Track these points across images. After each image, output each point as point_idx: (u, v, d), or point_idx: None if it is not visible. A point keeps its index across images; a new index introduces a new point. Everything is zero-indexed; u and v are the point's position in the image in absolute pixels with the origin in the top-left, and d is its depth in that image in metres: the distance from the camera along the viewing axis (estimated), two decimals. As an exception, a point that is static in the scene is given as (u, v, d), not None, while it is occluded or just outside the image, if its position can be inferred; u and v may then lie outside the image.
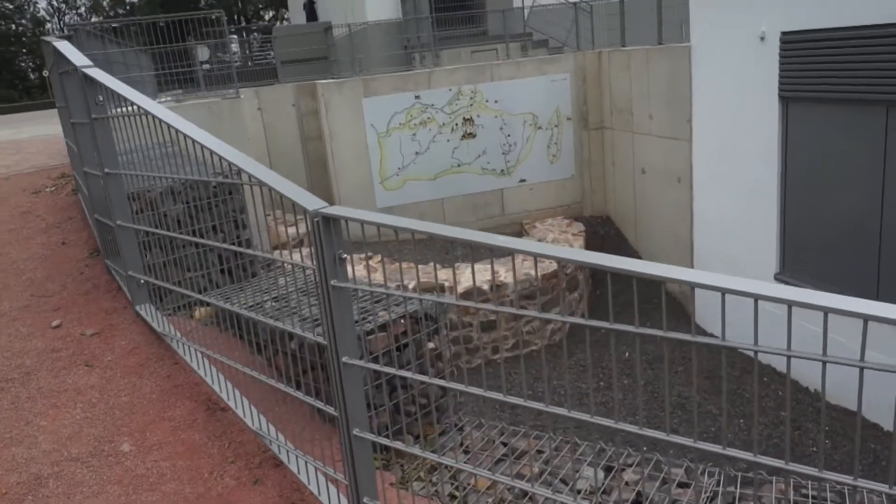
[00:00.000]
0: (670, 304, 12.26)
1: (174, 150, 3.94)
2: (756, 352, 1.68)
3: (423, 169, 13.40)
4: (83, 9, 56.51)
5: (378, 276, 10.93)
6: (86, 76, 3.83)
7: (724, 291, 1.63)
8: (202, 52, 20.67)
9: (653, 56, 11.98)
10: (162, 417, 3.32)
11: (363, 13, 18.47)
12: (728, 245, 10.75)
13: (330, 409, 2.63)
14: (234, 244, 4.41)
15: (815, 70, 8.59)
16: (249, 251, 3.11)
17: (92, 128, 3.90)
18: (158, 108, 3.24)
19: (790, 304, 1.51)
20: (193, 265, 4.32)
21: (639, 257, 13.22)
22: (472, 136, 13.49)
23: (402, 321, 3.65)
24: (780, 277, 9.84)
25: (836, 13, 8.16)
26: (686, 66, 10.98)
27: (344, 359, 2.51)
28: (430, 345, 3.76)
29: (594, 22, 15.36)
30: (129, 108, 3.45)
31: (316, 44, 16.65)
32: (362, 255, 11.82)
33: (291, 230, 13.34)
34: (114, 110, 3.77)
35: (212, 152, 2.84)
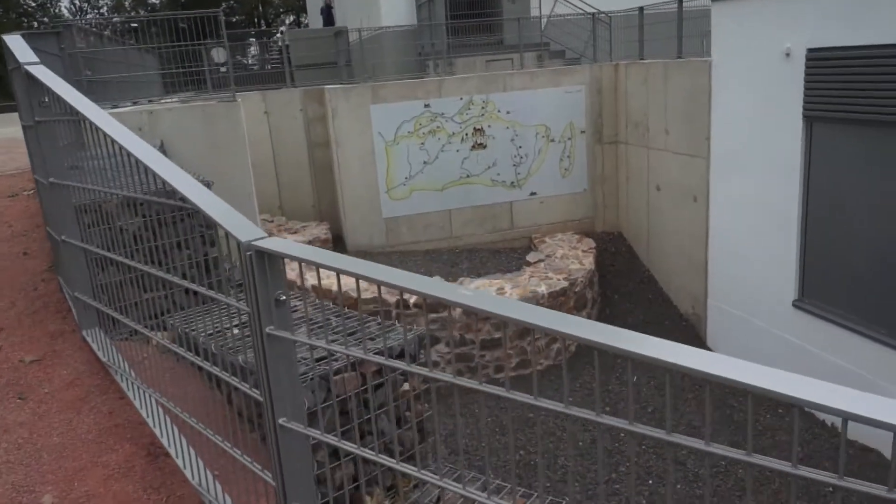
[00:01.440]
0: (682, 326, 11.80)
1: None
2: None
3: (431, 179, 13.04)
4: (105, 8, 56.85)
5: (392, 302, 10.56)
6: (28, 74, 3.50)
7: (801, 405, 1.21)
8: (218, 55, 20.49)
9: (671, 70, 11.56)
10: (95, 463, 2.95)
11: (378, 19, 18.20)
12: (744, 268, 10.29)
13: (267, 477, 2.25)
14: (199, 263, 4.05)
15: (842, 89, 8.14)
16: (177, 280, 2.75)
17: (36, 132, 3.56)
18: (98, 113, 2.89)
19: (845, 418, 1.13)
20: (154, 285, 3.97)
21: (651, 276, 12.79)
22: (482, 146, 13.12)
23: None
24: (798, 304, 9.37)
25: (866, 30, 7.72)
26: (706, 82, 10.54)
27: (281, 420, 2.14)
28: (406, 386, 3.37)
29: (612, 34, 14.97)
30: (74, 113, 3.11)
31: (327, 48, 16.38)
32: (364, 267, 11.45)
33: (294, 237, 13.03)
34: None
35: (146, 168, 2.48)
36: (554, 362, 10.95)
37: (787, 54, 8.77)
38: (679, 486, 7.96)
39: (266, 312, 2.08)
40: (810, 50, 8.43)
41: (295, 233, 13.13)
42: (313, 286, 10.70)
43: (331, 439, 2.04)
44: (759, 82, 9.48)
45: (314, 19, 33.42)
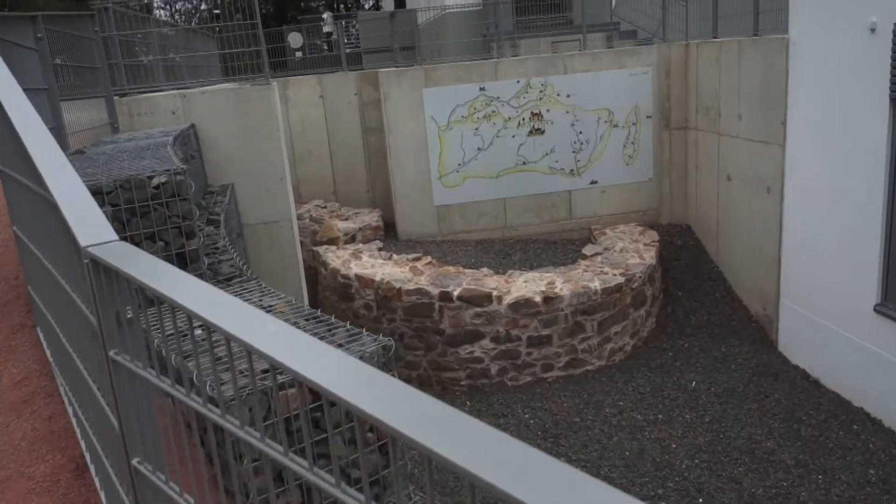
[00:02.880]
0: (751, 328, 10.92)
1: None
2: None
3: (486, 166, 12.55)
4: (193, -4, 58.57)
5: (424, 280, 10.22)
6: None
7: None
8: (295, 39, 20.58)
9: (746, 49, 10.62)
10: (22, 474, 2.69)
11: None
12: (821, 267, 9.35)
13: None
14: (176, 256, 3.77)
15: (938, 67, 7.16)
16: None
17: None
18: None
19: None
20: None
21: (719, 273, 11.95)
22: (540, 132, 12.51)
23: (330, 373, 2.87)
24: (881, 309, 8.41)
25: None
26: (783, 61, 9.60)
27: (134, 461, 1.77)
28: (367, 403, 2.96)
29: (688, 10, 13.97)
30: None
31: (388, 30, 16.05)
32: (410, 256, 11.13)
33: (345, 224, 12.84)
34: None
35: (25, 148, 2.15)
36: (608, 362, 10.31)
37: (873, 30, 7.79)
38: (732, 507, 7.26)
39: (109, 332, 1.70)
40: (901, 23, 7.45)
41: (346, 219, 12.92)
42: (357, 275, 10.46)
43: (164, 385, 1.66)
44: (841, 61, 8.51)
45: (389, 3, 33.30)
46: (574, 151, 12.67)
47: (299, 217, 12.95)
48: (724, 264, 11.90)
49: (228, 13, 9.71)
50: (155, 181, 3.66)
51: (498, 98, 12.28)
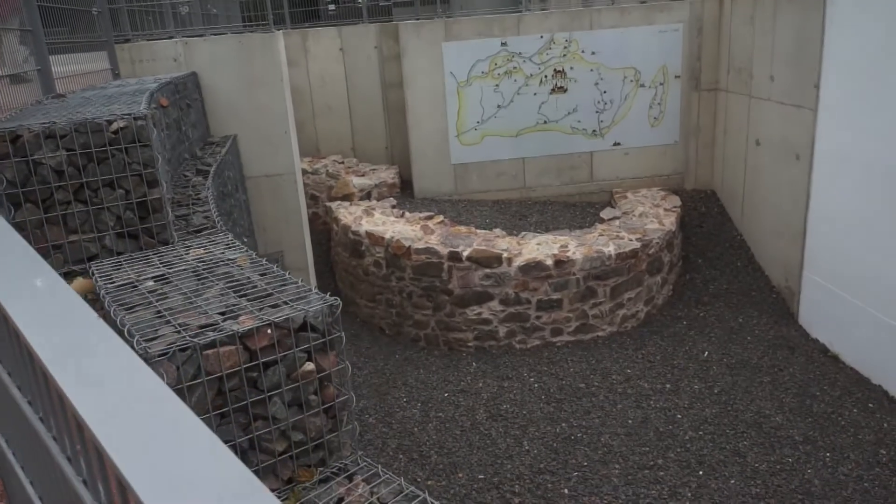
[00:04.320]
0: (772, 299, 10.56)
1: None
2: None
3: (505, 124, 12.22)
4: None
5: (434, 239, 10.06)
6: None
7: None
8: None
9: (782, 5, 10.03)
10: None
11: (472, -49, 17.16)
12: (848, 242, 8.92)
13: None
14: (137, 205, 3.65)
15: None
16: None
17: None
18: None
19: None
20: (81, 226, 3.61)
21: (742, 242, 11.57)
22: (562, 90, 12.11)
23: (269, 331, 2.74)
24: (906, 286, 8.01)
25: None
26: (819, 19, 9.04)
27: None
28: (310, 366, 2.83)
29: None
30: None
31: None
32: (422, 215, 10.95)
33: (361, 180, 12.68)
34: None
35: None
36: (619, 328, 10.09)
37: (917, -16, 7.24)
38: (733, 482, 7.07)
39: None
40: (946, -22, 6.90)
41: (363, 175, 12.76)
42: (367, 232, 10.34)
43: None
44: (879, 20, 7.96)
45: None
46: (597, 111, 12.25)
47: (316, 172, 12.84)
48: (748, 233, 11.49)
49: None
50: (114, 126, 3.52)
51: (520, 54, 11.88)
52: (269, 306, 2.90)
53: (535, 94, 12.08)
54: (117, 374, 0.98)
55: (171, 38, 7.75)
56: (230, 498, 0.72)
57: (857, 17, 8.36)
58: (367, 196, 12.34)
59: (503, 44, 11.82)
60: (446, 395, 8.75)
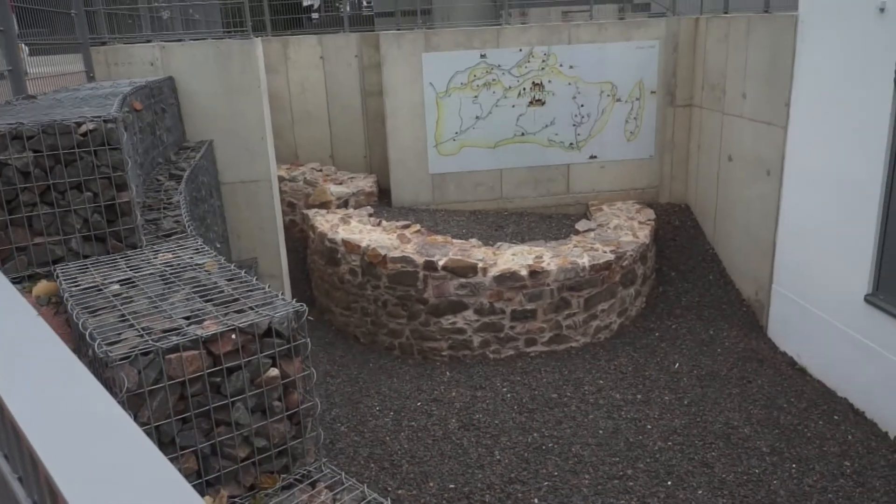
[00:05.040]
0: (742, 312, 10.72)
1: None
2: None
3: (483, 135, 12.31)
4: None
5: (410, 248, 10.08)
6: None
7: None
8: None
9: (755, 25, 10.24)
10: None
11: (454, -37, 17.30)
12: (814, 253, 9.11)
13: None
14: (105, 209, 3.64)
15: (945, 50, 6.83)
16: None
17: None
18: None
19: None
20: (46, 228, 3.60)
21: (715, 255, 11.74)
22: (540, 102, 12.23)
23: (233, 336, 2.75)
24: (871, 300, 8.19)
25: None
26: (790, 40, 9.25)
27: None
28: (274, 371, 2.84)
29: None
30: None
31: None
32: (399, 224, 10.98)
33: (339, 188, 12.68)
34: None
35: None
36: (592, 339, 10.18)
37: (882, 9, 7.44)
38: (701, 493, 7.15)
39: None
40: (909, 2, 7.11)
41: (340, 184, 12.76)
42: (343, 240, 10.34)
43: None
44: (848, 42, 8.17)
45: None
46: (574, 125, 12.39)
47: (293, 179, 12.82)
48: (720, 246, 11.66)
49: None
50: (83, 128, 3.52)
51: (499, 66, 11.99)
52: (235, 311, 2.91)
53: (513, 106, 12.20)
54: (55, 375, 1.00)
55: (148, 41, 7.73)
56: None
57: (828, 39, 8.57)
58: (345, 204, 12.34)
59: (482, 56, 11.93)
60: (419, 404, 8.76)
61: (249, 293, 3.12)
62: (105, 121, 3.53)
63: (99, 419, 0.88)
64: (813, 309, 9.19)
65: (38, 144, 3.41)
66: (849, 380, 8.61)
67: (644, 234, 10.95)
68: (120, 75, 7.22)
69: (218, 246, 6.68)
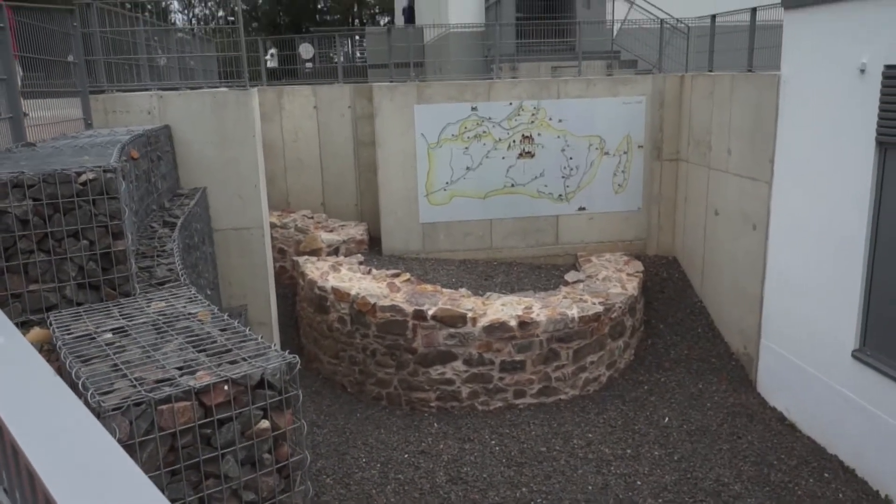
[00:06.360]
0: (731, 366, 10.73)
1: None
2: None
3: (474, 185, 12.45)
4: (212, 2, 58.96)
5: (400, 297, 10.08)
6: None
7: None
8: (306, 50, 20.69)
9: (738, 83, 10.54)
10: None
11: (447, 18, 17.76)
12: (802, 309, 9.18)
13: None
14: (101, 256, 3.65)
15: (922, 112, 7.05)
16: None
17: None
18: None
19: None
20: (42, 275, 3.60)
21: (703, 308, 11.80)
22: (530, 155, 12.43)
23: (226, 388, 2.74)
24: (858, 355, 8.23)
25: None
26: (773, 98, 9.51)
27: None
28: (265, 423, 2.82)
29: (689, 43, 13.92)
30: None
31: (396, 45, 16.04)
32: (389, 272, 11.00)
33: (330, 236, 12.72)
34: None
35: None
36: (581, 392, 10.13)
37: (863, 70, 7.70)
38: (692, 549, 7.05)
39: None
40: (888, 67, 7.35)
41: (331, 231, 12.81)
42: (333, 288, 10.33)
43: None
44: (829, 101, 8.41)
45: (400, 19, 33.49)
46: (563, 177, 12.57)
47: (285, 226, 12.86)
48: (708, 299, 11.74)
49: (223, 19, 9.69)
50: (82, 178, 3.55)
51: (489, 119, 12.22)
52: (228, 362, 2.90)
53: (503, 157, 12.38)
54: (71, 430, 1.00)
55: (146, 90, 7.84)
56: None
57: (810, 97, 8.82)
58: (335, 252, 12.37)
59: (473, 108, 12.16)
60: (406, 456, 8.64)
61: (242, 343, 3.11)
62: (105, 171, 3.57)
63: (112, 471, 0.89)
64: (801, 363, 9.22)
65: (38, 193, 3.43)
66: (839, 436, 8.59)
67: (632, 286, 11.02)
68: (118, 123, 7.30)
69: (209, 293, 6.66)
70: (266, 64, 16.53)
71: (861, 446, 8.25)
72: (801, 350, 9.25)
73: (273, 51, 16.68)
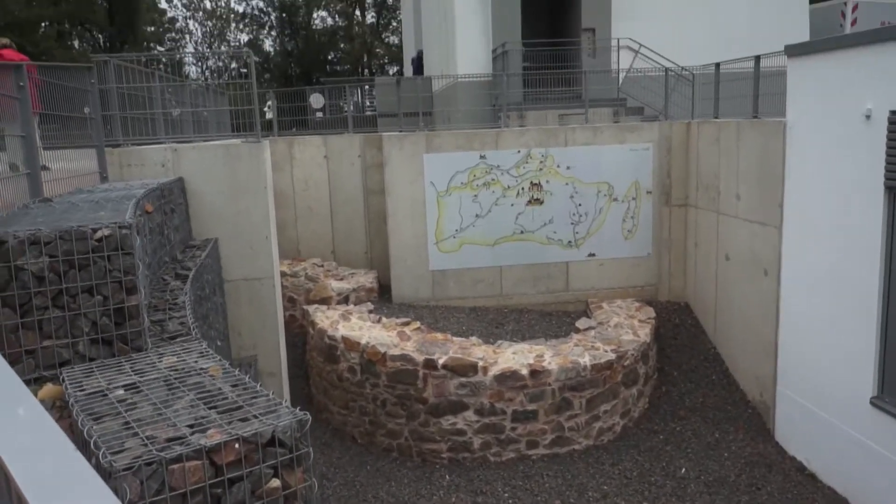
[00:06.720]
0: (748, 414, 10.54)
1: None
2: None
3: (483, 233, 12.50)
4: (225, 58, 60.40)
5: (410, 345, 10.03)
6: None
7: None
8: (316, 101, 21.05)
9: (744, 130, 10.62)
10: None
11: (455, 68, 18.08)
12: (819, 355, 9.06)
13: None
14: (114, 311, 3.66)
15: (931, 157, 7.06)
16: None
17: None
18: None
19: None
20: (56, 331, 3.61)
21: (717, 355, 11.66)
22: (538, 202, 12.50)
23: (237, 446, 2.71)
24: (877, 402, 8.08)
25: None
26: (779, 144, 9.57)
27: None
28: (276, 482, 2.78)
29: (695, 90, 14.09)
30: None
31: (405, 95, 16.31)
32: (399, 320, 10.97)
33: (340, 284, 12.74)
34: None
35: None
36: (595, 442, 9.96)
37: (868, 116, 7.76)
38: None
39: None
40: (893, 112, 7.40)
41: (341, 279, 12.84)
42: (343, 336, 10.30)
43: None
44: (836, 147, 8.46)
45: (409, 69, 34.13)
46: (572, 223, 12.61)
47: (295, 274, 12.91)
48: (722, 346, 11.62)
49: (237, 73, 9.92)
50: (98, 234, 3.59)
51: (498, 167, 12.33)
52: (239, 420, 2.88)
53: (512, 204, 12.45)
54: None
55: (160, 143, 7.98)
56: None
57: (816, 143, 8.87)
58: (345, 300, 12.37)
59: (482, 157, 12.29)
60: (418, 509, 8.47)
61: (253, 400, 3.09)
62: (120, 227, 3.61)
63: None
64: (819, 412, 9.06)
65: (54, 249, 3.47)
66: (861, 487, 8.38)
67: (645, 333, 10.92)
68: (132, 176, 7.41)
69: (219, 344, 6.65)
70: (265, 115, 16.81)
71: (886, 497, 8.03)
72: (819, 397, 9.09)
73: (270, 102, 16.97)
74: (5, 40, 9.34)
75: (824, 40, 9.12)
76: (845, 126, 8.24)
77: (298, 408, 2.94)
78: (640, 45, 15.67)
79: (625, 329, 11.08)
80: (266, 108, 17.59)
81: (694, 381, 11.31)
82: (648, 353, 10.84)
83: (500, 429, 9.61)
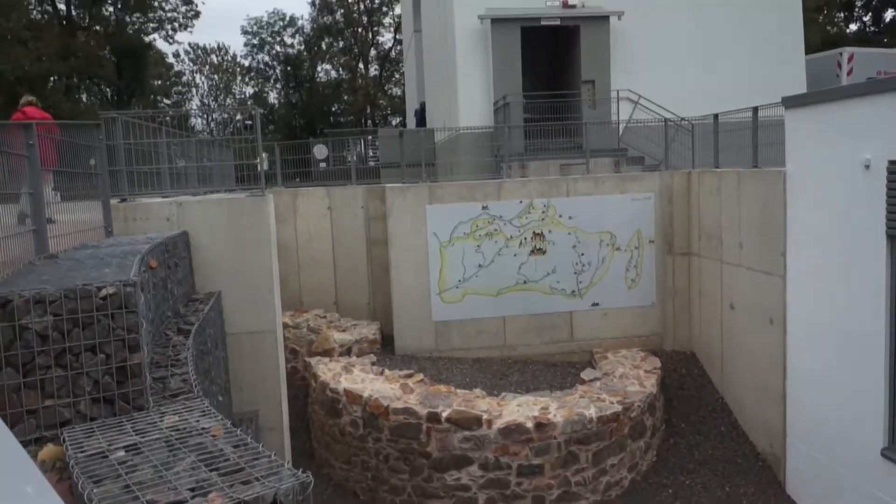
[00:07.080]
0: (758, 467, 10.34)
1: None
2: None
3: (486, 283, 12.48)
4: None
5: (413, 398, 9.91)
6: None
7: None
8: (320, 151, 21.33)
9: (745, 179, 10.70)
10: None
11: (457, 120, 18.34)
12: (826, 404, 8.94)
13: None
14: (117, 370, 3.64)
15: (932, 207, 7.09)
16: None
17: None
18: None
19: None
20: (58, 391, 3.58)
21: (724, 405, 11.52)
22: (541, 252, 12.52)
23: (239, 510, 2.65)
24: (888, 454, 7.93)
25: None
26: (781, 193, 9.63)
27: None
28: (277, 547, 2.72)
29: (695, 140, 14.25)
30: None
31: (407, 146, 16.51)
32: (402, 373, 10.87)
33: (342, 335, 12.67)
34: None
35: None
36: (602, 497, 9.75)
37: (867, 166, 7.82)
38: None
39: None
40: (892, 162, 7.47)
41: (344, 331, 12.78)
42: (345, 390, 10.20)
43: None
44: (837, 196, 8.50)
45: (412, 121, 34.62)
46: (576, 273, 12.60)
47: (297, 326, 12.85)
48: (730, 396, 11.47)
49: (242, 126, 10.07)
50: (103, 292, 3.59)
51: (500, 217, 12.39)
52: (240, 482, 2.83)
53: (515, 255, 12.47)
54: None
55: (165, 197, 8.05)
56: None
57: (817, 193, 8.92)
58: (348, 352, 12.29)
59: (484, 207, 12.36)
60: (422, 568, 8.25)
61: (255, 461, 3.05)
62: (125, 284, 3.61)
63: None
64: (830, 463, 8.89)
65: (59, 308, 3.47)
66: (876, 542, 8.16)
67: (651, 384, 10.80)
68: (137, 230, 7.46)
69: (220, 399, 6.58)
70: (259, 167, 17.01)
71: (901, 553, 7.81)
72: (830, 449, 8.93)
73: (264, 154, 17.24)
74: (31, 98, 9.57)
75: (821, 92, 9.28)
76: (845, 175, 8.30)
77: (301, 469, 2.90)
78: (640, 96, 15.94)
79: (630, 380, 10.95)
80: (258, 161, 17.84)
81: (702, 433, 11.13)
82: (655, 405, 10.70)
83: (505, 484, 9.42)
